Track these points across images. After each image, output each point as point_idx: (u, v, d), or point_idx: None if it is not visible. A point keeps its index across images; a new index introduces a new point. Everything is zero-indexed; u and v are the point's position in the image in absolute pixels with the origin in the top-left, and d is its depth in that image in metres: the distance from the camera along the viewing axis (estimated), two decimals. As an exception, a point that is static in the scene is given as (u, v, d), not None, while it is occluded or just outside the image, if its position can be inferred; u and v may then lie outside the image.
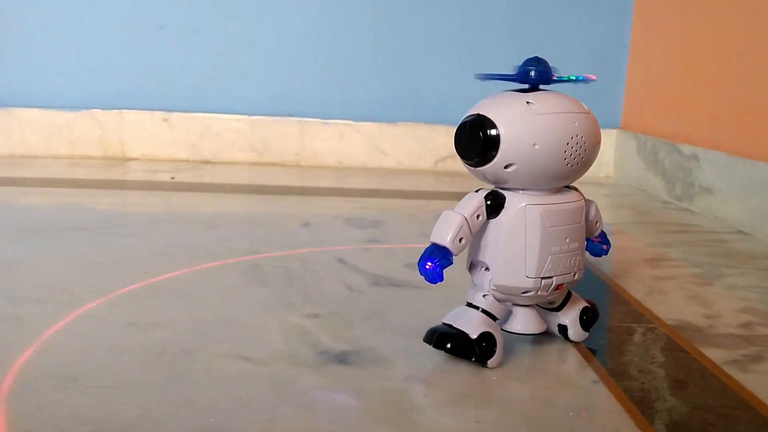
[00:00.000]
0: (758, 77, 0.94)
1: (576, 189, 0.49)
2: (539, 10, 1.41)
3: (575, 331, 0.51)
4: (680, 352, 0.51)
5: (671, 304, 0.62)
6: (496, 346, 0.47)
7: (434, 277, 0.45)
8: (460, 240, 0.45)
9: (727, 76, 1.03)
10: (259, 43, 1.42)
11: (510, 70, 0.48)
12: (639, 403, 0.43)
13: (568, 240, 0.47)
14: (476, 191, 0.47)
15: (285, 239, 0.81)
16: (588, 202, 0.50)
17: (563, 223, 0.46)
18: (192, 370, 0.45)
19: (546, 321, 0.51)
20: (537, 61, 0.46)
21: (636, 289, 0.66)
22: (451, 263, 0.46)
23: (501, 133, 0.43)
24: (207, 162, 1.42)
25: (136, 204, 1.05)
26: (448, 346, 0.46)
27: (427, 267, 0.45)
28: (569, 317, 0.51)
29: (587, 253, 0.51)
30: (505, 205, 0.46)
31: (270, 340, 0.51)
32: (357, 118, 1.43)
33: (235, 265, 0.69)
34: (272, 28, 1.41)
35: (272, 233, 0.84)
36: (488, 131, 0.44)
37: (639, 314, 0.59)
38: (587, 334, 0.52)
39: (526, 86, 0.47)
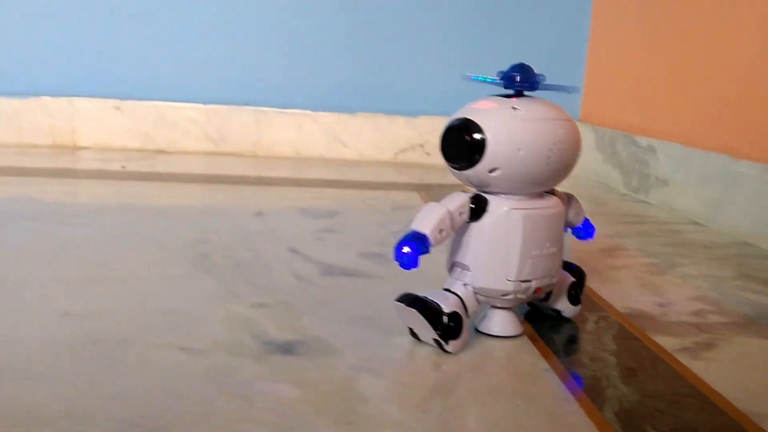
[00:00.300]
0: (714, 69, 0.95)
1: (555, 194, 0.50)
2: (498, 1, 1.41)
3: (568, 310, 0.53)
4: (632, 339, 0.50)
5: (624, 292, 0.61)
6: (461, 332, 0.46)
7: (409, 262, 0.44)
8: (440, 231, 0.45)
9: (683, 68, 1.04)
10: (215, 29, 1.38)
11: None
12: (589, 390, 0.42)
13: (548, 244, 0.47)
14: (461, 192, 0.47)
15: (236, 229, 0.79)
16: (569, 199, 0.52)
17: (544, 228, 0.47)
18: (125, 361, 0.43)
19: (541, 307, 0.54)
20: (522, 68, 0.47)
21: (590, 278, 0.65)
22: (428, 252, 0.45)
23: (487, 138, 0.44)
24: (161, 151, 1.38)
25: (86, 193, 1.02)
26: (419, 305, 0.45)
27: (404, 251, 0.44)
28: (559, 302, 0.52)
29: (573, 237, 0.55)
30: (488, 209, 0.46)
31: (212, 330, 0.48)
32: (315, 108, 1.41)
33: (182, 255, 0.67)
34: (229, 13, 1.38)
35: (223, 223, 0.81)
36: (474, 135, 0.44)
37: (592, 303, 0.58)
38: (579, 305, 0.53)
39: (511, 92, 0.47)
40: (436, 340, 0.46)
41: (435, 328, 0.45)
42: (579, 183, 1.25)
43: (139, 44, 1.38)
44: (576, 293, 0.53)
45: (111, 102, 1.38)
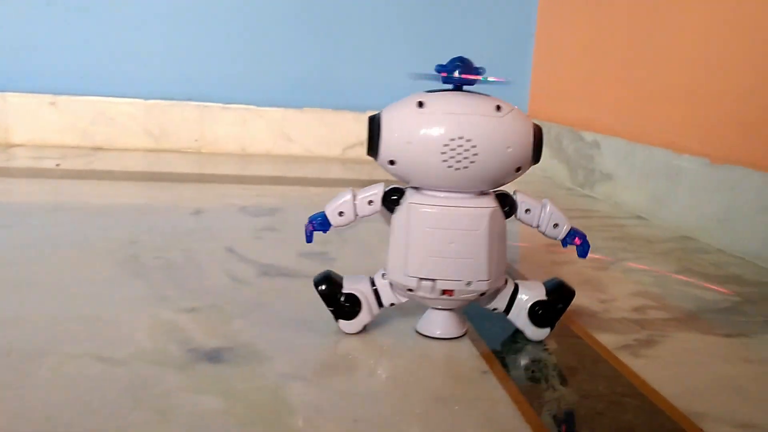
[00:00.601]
0: (658, 66, 0.95)
1: (504, 195, 0.47)
2: (446, -4, 1.40)
3: (529, 331, 0.48)
4: (573, 338, 0.49)
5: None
6: (357, 314, 0.47)
7: (307, 236, 0.48)
8: (340, 214, 0.47)
9: (628, 64, 1.04)
10: (154, 20, 1.33)
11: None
12: (528, 392, 0.41)
13: (453, 245, 0.45)
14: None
15: (171, 228, 0.75)
16: (535, 206, 0.48)
17: (450, 227, 0.45)
18: (37, 374, 0.40)
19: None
20: (459, 62, 0.44)
21: (533, 275, 0.64)
22: (325, 230, 0.48)
23: (382, 130, 0.44)
24: (99, 148, 1.33)
25: (17, 192, 0.97)
26: (322, 288, 0.48)
27: (306, 227, 0.48)
28: (519, 319, 0.48)
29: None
30: (401, 201, 0.47)
31: (134, 338, 0.46)
32: (261, 103, 1.38)
33: (109, 257, 0.63)
34: (170, 5, 1.33)
35: (158, 222, 0.78)
36: (374, 128, 0.45)
37: (535, 300, 0.57)
38: (547, 330, 0.48)
39: (450, 87, 0.46)
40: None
41: (328, 305, 0.47)
42: (526, 179, 1.24)
43: (75, 37, 1.33)
44: (542, 312, 0.48)
45: (46, 97, 1.32)
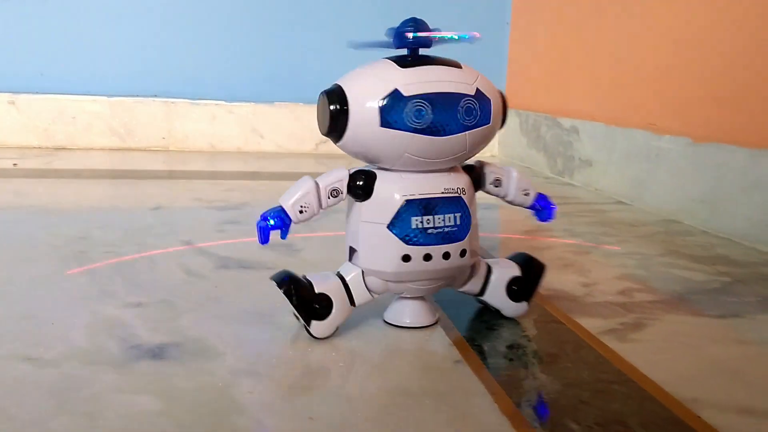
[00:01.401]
0: (632, 47, 0.92)
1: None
2: (419, -16, 1.36)
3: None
4: (553, 323, 0.46)
5: (548, 273, 0.57)
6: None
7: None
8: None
9: (603, 48, 1.01)
10: (117, 14, 1.28)
11: (397, 52, 0.42)
12: (505, 383, 0.37)
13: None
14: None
15: (127, 224, 0.71)
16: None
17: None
18: (-48, 378, 0.35)
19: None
20: (414, 22, 0.41)
21: (512, 261, 0.60)
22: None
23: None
24: (62, 148, 1.27)
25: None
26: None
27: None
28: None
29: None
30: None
31: (69, 336, 0.41)
32: (230, 99, 1.33)
33: (53, 253, 0.58)
34: (131, -1, 1.29)
35: (113, 218, 0.73)
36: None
37: (513, 286, 0.53)
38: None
39: (405, 51, 0.42)
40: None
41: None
42: (505, 168, 1.21)
43: (33, 32, 1.27)
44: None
45: (4, 96, 1.26)
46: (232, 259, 0.58)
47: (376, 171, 0.42)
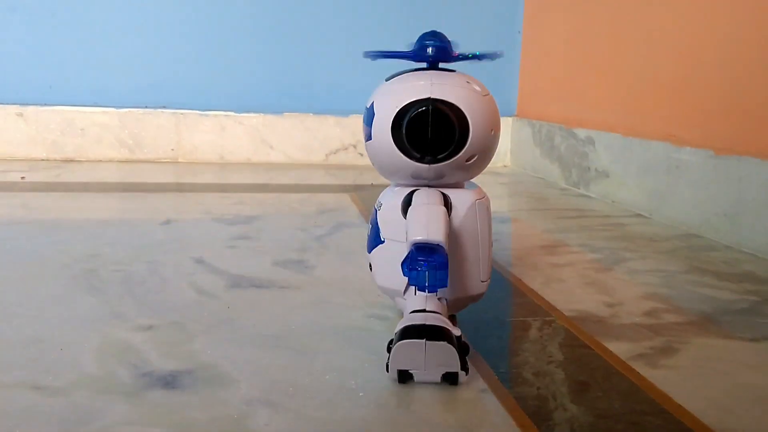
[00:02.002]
0: (651, 56, 0.90)
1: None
2: (429, -7, 1.35)
3: None
4: (581, 347, 0.44)
5: (570, 293, 0.55)
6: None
7: (442, 280, 0.36)
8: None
9: (619, 56, 0.99)
10: (126, 25, 1.28)
11: (407, 63, 0.41)
12: (534, 414, 0.35)
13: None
14: (399, 189, 0.42)
15: (136, 240, 0.69)
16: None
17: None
18: (-44, 409, 0.34)
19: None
20: (434, 36, 0.40)
21: (531, 278, 0.59)
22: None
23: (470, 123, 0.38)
24: (70, 160, 1.26)
25: (-26, 207, 0.90)
26: (445, 338, 0.36)
27: (424, 271, 0.35)
28: None
29: None
30: (453, 204, 0.40)
31: (80, 361, 0.40)
32: (239, 109, 1.32)
33: (63, 272, 0.57)
34: (141, 8, 1.28)
35: (123, 234, 0.72)
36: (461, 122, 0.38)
37: (535, 306, 0.52)
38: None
39: (424, 65, 0.41)
40: (449, 375, 0.37)
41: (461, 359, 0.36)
42: (517, 180, 1.19)
43: (42, 44, 1.27)
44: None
45: (12, 108, 1.25)
46: (245, 278, 0.57)
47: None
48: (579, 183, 1.07)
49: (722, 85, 0.76)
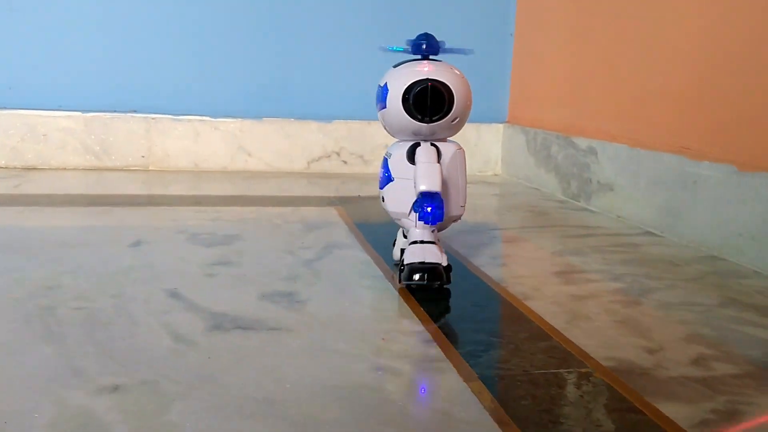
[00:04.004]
0: (659, 60, 0.85)
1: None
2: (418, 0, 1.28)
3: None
4: (632, 412, 0.37)
5: (601, 334, 0.48)
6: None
7: (436, 217, 0.53)
8: None
9: (624, 61, 0.93)
10: (93, 21, 1.19)
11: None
12: None
13: None
14: (403, 143, 0.58)
15: (101, 266, 0.61)
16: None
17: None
18: None
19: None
20: (426, 36, 0.57)
21: (553, 315, 0.52)
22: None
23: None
24: (32, 168, 1.17)
25: None
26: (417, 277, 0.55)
27: (428, 211, 0.52)
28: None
29: None
30: (442, 152, 0.57)
31: (25, 443, 0.32)
32: (215, 114, 1.24)
33: (15, 310, 0.49)
34: (112, 8, 1.19)
35: (87, 258, 0.64)
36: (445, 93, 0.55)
37: (565, 353, 0.45)
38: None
39: (419, 57, 0.57)
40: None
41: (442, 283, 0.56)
42: (510, 190, 1.13)
43: (1, 44, 1.17)
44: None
45: (-33, 111, 1.16)
46: (227, 316, 0.49)
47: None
48: (579, 195, 1.01)
49: (743, 94, 0.70)
